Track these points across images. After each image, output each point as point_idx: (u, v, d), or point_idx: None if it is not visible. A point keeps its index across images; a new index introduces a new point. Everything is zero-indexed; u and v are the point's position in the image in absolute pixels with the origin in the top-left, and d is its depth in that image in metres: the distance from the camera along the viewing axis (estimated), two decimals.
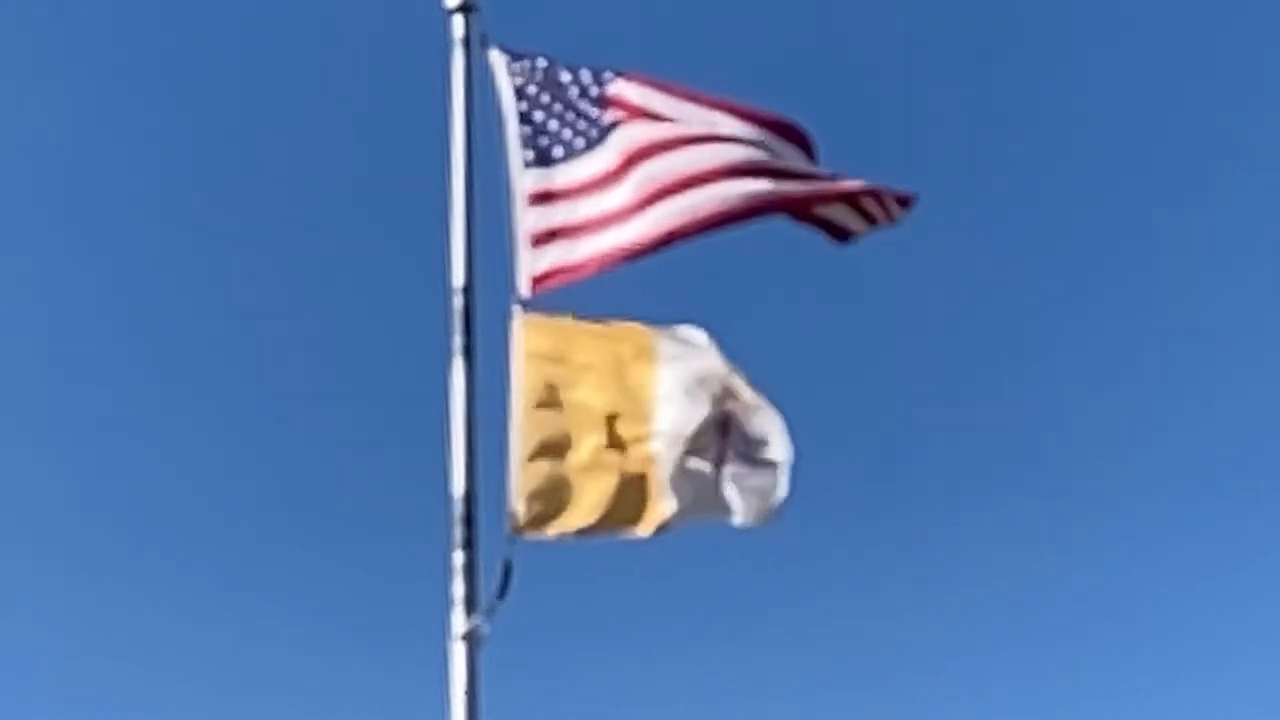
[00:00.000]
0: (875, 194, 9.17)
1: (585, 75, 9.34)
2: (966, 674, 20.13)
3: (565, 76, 9.33)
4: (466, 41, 9.25)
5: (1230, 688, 20.07)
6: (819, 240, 9.30)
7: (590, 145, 9.19)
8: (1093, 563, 20.85)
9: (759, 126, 9.29)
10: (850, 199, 9.18)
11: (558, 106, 9.26)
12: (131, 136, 21.38)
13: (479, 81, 9.21)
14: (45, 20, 21.27)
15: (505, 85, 9.24)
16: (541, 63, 9.34)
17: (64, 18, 21.30)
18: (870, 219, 9.23)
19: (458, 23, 9.27)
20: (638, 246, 8.97)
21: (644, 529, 8.62)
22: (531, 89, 9.27)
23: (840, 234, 9.30)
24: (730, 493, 8.67)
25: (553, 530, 8.55)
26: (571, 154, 9.18)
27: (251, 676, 19.27)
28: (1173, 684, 20.28)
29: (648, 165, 9.06)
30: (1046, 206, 22.33)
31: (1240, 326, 22.15)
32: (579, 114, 9.25)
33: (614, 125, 9.19)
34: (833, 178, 9.21)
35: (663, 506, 8.62)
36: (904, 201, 9.21)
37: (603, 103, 9.26)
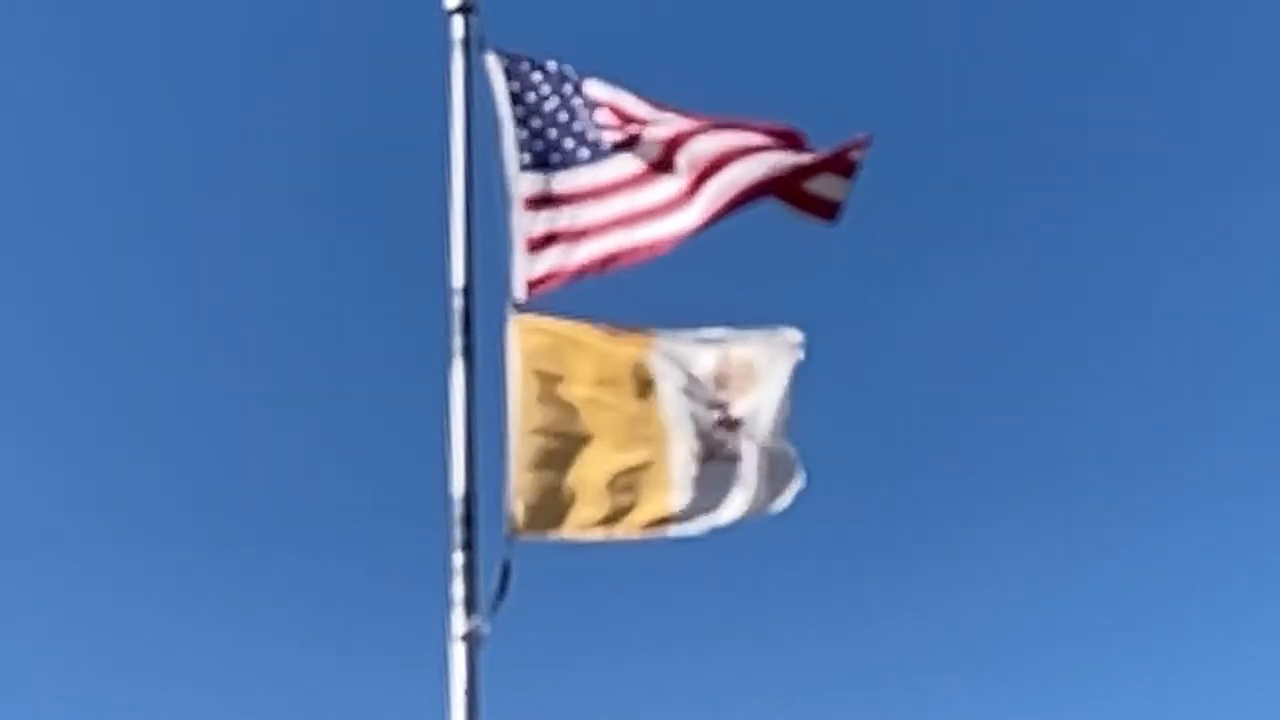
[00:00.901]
0: (843, 150, 9.13)
1: (571, 73, 9.36)
2: (976, 676, 20.13)
3: (560, 76, 9.35)
4: (466, 43, 9.26)
5: (1241, 688, 20.08)
6: (827, 240, 9.29)
7: (596, 156, 9.20)
8: (1102, 565, 20.86)
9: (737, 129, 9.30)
10: (829, 163, 9.13)
11: (563, 115, 9.27)
12: (131, 138, 21.40)
13: (478, 82, 9.23)
14: (44, 20, 21.30)
15: (501, 89, 9.24)
16: (539, 65, 9.35)
17: (63, 18, 21.33)
18: (846, 169, 9.14)
19: (457, 24, 9.28)
20: (647, 248, 9.03)
21: (654, 531, 8.64)
22: (530, 96, 9.27)
23: (826, 210, 9.24)
24: (748, 486, 8.68)
25: (560, 533, 8.56)
26: (574, 162, 9.18)
27: (252, 677, 19.30)
28: (1183, 685, 20.29)
29: (679, 158, 9.10)
30: (1062, 211, 22.33)
31: (1252, 329, 22.15)
32: (583, 121, 9.25)
33: (631, 139, 9.19)
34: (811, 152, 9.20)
35: (674, 507, 8.63)
36: (859, 145, 9.14)
37: (593, 107, 9.28)
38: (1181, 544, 21.14)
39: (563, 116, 9.25)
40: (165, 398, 20.87)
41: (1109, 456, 21.56)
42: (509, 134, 9.16)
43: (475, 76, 9.22)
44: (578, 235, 9.04)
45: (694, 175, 9.02)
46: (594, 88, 9.31)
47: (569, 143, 9.21)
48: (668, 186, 9.10)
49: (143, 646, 19.56)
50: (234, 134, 21.29)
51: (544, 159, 9.16)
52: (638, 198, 9.12)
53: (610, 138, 9.21)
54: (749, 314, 9.14)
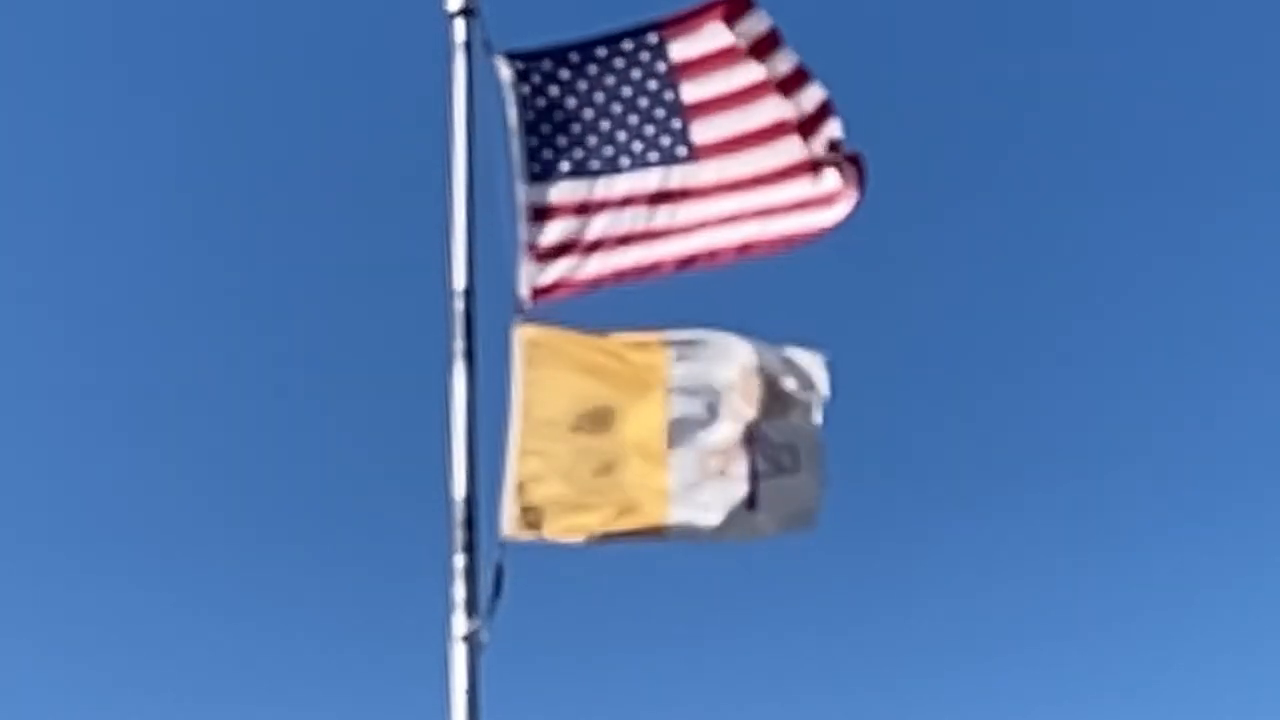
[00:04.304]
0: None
1: (643, 55, 9.31)
2: (977, 678, 20.11)
3: (619, 64, 9.31)
4: (468, 46, 9.27)
5: (1248, 687, 20.04)
6: (829, 243, 9.28)
7: (666, 159, 9.19)
8: (1107, 563, 20.83)
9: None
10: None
11: (626, 114, 9.22)
12: (135, 144, 21.41)
13: (481, 86, 9.24)
14: (47, 21, 21.32)
15: (510, 95, 9.21)
16: (567, 60, 9.32)
17: (67, 19, 21.35)
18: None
19: (459, 27, 9.29)
20: (659, 265, 9.05)
21: (650, 538, 8.64)
22: (540, 101, 9.19)
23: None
24: (760, 505, 8.67)
25: (557, 535, 8.57)
26: (588, 170, 9.14)
27: (253, 678, 19.31)
28: (1189, 684, 20.25)
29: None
30: (1058, 203, 22.26)
31: (1253, 324, 22.11)
32: (624, 119, 9.24)
33: (701, 149, 9.16)
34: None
35: (671, 519, 8.62)
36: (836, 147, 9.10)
37: (682, 108, 9.24)
38: (1189, 545, 21.11)
39: (582, 119, 9.21)
40: (167, 400, 20.90)
41: (1120, 455, 21.51)
42: (517, 142, 9.15)
43: (477, 79, 9.24)
44: (591, 246, 9.03)
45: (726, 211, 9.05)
46: (665, 56, 9.27)
47: (579, 151, 9.18)
48: (703, 207, 9.10)
49: (143, 648, 19.60)
50: (236, 138, 21.32)
51: (554, 167, 9.13)
52: (661, 212, 9.11)
53: (695, 150, 9.20)
54: (742, 316, 9.17)
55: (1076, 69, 22.69)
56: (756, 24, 9.26)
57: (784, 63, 9.22)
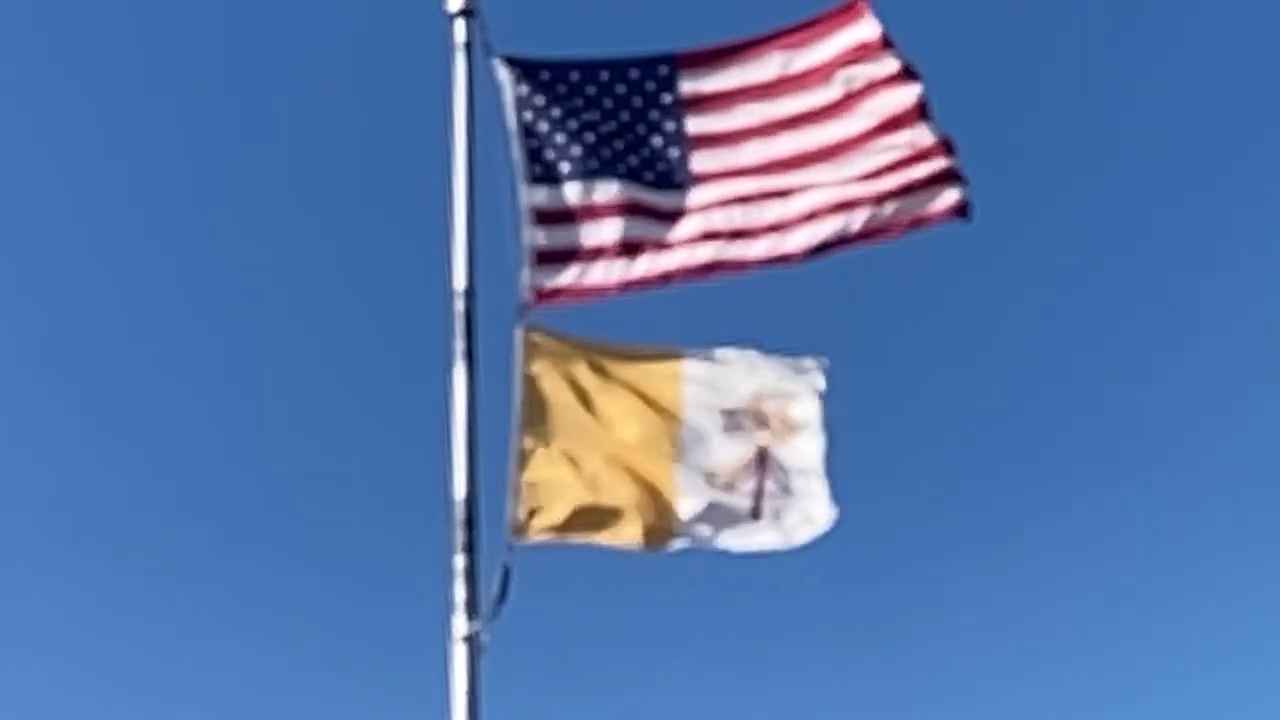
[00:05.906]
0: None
1: (649, 85, 9.31)
2: (989, 687, 20.08)
3: (620, 90, 9.30)
4: (468, 47, 9.27)
5: (1262, 696, 19.99)
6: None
7: (666, 183, 9.15)
8: (1117, 576, 20.78)
9: (832, 66, 9.21)
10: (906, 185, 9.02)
11: (616, 136, 9.19)
12: (135, 144, 21.40)
13: (481, 86, 9.24)
14: (44, 20, 21.33)
15: (509, 97, 9.21)
16: (561, 73, 9.31)
17: (65, 18, 21.35)
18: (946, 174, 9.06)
19: (459, 28, 9.30)
20: (675, 273, 9.03)
21: (646, 544, 8.64)
22: (539, 99, 9.19)
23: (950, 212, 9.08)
24: (764, 518, 8.66)
25: (560, 538, 8.58)
26: (588, 173, 9.13)
27: (252, 679, 19.31)
28: (1217, 689, 20.20)
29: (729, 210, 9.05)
30: (1084, 215, 22.21)
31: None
32: (644, 145, 9.23)
33: (701, 176, 9.13)
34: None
35: (674, 528, 8.62)
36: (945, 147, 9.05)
37: (684, 139, 9.21)
38: (1202, 552, 21.02)
39: (579, 122, 9.21)
40: (167, 401, 20.90)
41: (1128, 466, 21.45)
42: (516, 144, 9.14)
43: (478, 80, 9.25)
44: (595, 253, 9.01)
45: (741, 227, 9.00)
46: (673, 89, 9.24)
47: (577, 150, 9.18)
48: (711, 218, 9.07)
49: (143, 650, 19.60)
50: (235, 137, 21.32)
51: (555, 170, 9.13)
52: (670, 219, 9.08)
53: (695, 176, 9.16)
54: (757, 328, 9.17)
55: (1119, 76, 22.66)
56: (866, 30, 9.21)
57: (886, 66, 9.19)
